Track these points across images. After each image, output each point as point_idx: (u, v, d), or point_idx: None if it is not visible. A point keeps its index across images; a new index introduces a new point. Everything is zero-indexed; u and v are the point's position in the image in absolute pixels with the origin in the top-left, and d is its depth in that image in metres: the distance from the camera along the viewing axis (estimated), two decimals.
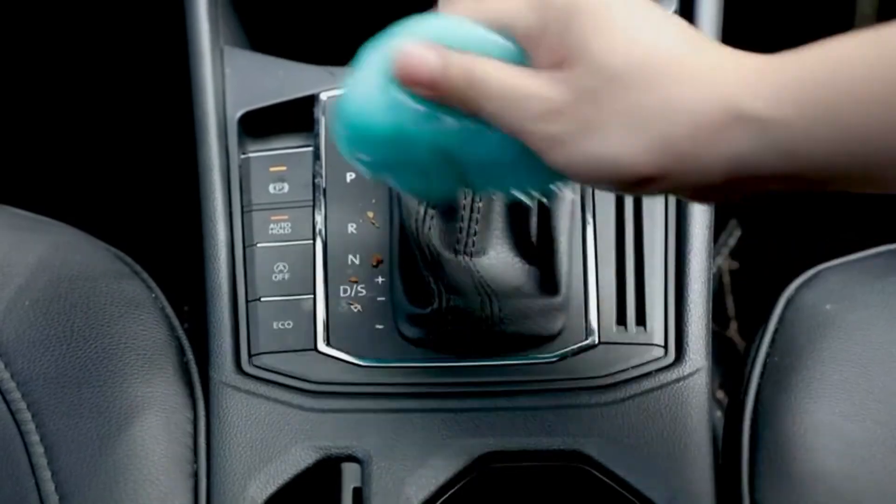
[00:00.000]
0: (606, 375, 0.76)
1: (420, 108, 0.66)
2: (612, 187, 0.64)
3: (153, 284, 0.82)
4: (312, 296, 0.79)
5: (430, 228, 0.78)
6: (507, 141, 0.65)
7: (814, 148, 0.58)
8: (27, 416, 0.75)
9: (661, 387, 0.76)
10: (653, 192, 0.63)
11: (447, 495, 0.72)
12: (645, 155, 0.61)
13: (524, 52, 0.65)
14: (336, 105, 0.69)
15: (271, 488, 0.72)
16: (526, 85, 0.63)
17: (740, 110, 0.59)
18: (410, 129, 0.66)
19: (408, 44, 0.65)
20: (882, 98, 0.57)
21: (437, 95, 0.65)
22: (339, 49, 1.00)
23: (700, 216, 0.81)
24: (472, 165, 0.67)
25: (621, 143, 0.61)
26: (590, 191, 0.81)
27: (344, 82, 0.68)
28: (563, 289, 0.77)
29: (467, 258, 0.78)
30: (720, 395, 1.19)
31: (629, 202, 0.81)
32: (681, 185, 0.61)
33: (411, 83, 0.65)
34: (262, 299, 0.79)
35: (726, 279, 1.31)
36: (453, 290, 0.77)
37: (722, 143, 0.59)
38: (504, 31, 0.65)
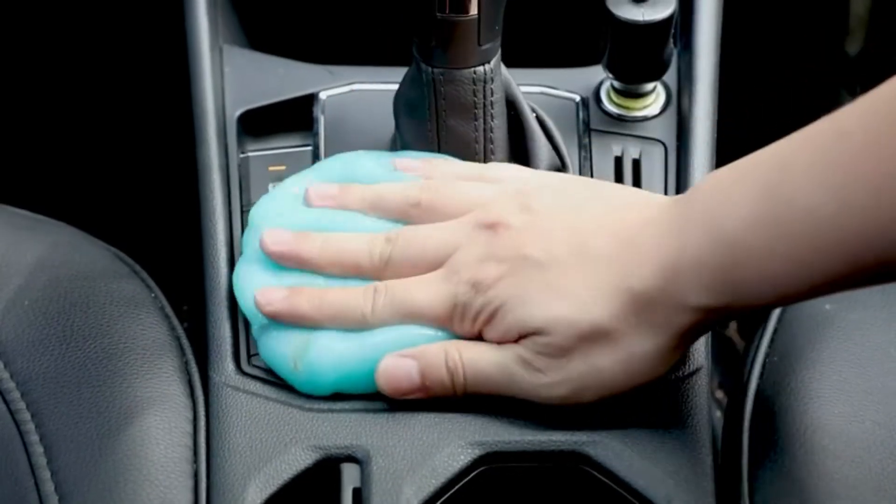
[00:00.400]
0: None
1: None
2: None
3: (152, 284, 0.82)
4: None
5: None
6: None
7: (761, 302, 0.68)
8: (26, 415, 0.75)
9: (660, 387, 0.76)
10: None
11: (447, 496, 0.72)
12: (655, 372, 0.71)
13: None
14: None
15: (271, 489, 0.72)
16: (506, 360, 0.71)
17: (694, 307, 0.68)
18: None
19: (385, 361, 0.73)
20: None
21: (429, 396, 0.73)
22: (338, 48, 1.00)
23: None
24: None
25: (626, 378, 0.70)
26: None
27: None
28: None
29: None
30: (720, 394, 1.19)
31: None
32: None
33: (401, 395, 0.73)
34: None
35: None
36: None
37: (701, 329, 0.70)
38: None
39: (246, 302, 0.76)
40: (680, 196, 0.71)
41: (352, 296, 0.74)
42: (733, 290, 0.67)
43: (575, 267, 0.70)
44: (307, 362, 0.74)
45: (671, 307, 0.68)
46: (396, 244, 0.75)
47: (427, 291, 0.73)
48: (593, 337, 0.69)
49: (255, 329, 0.76)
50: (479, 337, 0.73)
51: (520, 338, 0.71)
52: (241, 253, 0.79)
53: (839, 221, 0.62)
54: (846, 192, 0.62)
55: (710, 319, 0.69)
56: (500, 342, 0.72)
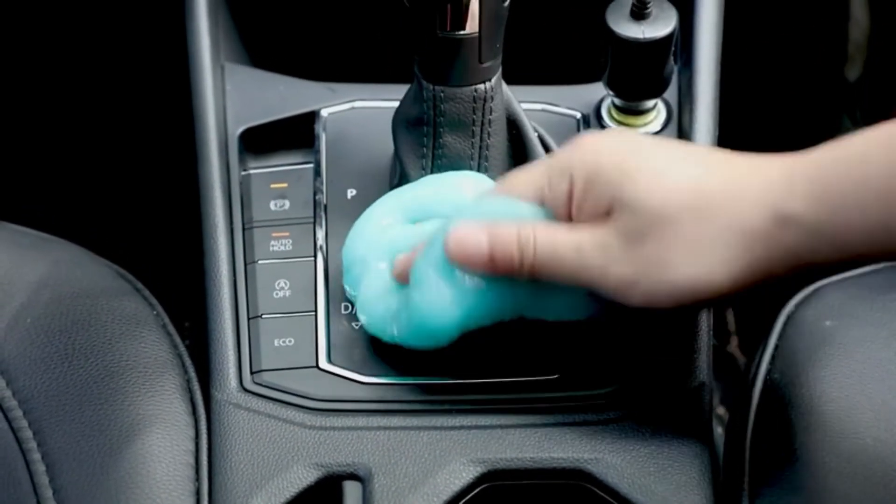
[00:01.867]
0: (607, 392, 0.76)
1: (481, 285, 0.72)
2: (698, 306, 0.71)
3: (154, 301, 0.82)
4: (314, 313, 0.79)
5: None
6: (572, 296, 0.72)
7: (848, 238, 0.65)
8: (28, 433, 0.75)
9: (661, 403, 0.76)
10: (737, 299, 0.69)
11: None
12: (713, 275, 0.67)
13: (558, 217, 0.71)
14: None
15: None
16: (581, 239, 0.69)
17: (784, 215, 0.66)
18: (480, 311, 0.73)
19: (457, 227, 0.71)
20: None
21: (495, 271, 0.70)
22: (339, 65, 1.00)
23: None
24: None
25: (689, 271, 0.67)
26: None
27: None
28: None
29: None
30: (721, 410, 1.19)
31: None
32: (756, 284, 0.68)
33: (469, 264, 0.71)
34: (264, 316, 0.79)
35: None
36: None
37: (778, 247, 0.66)
38: (540, 202, 0.71)
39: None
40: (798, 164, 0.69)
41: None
42: (836, 205, 0.65)
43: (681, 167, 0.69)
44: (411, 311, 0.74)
45: (758, 205, 0.67)
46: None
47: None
48: (673, 222, 0.67)
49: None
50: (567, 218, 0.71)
51: (605, 214, 0.69)
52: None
53: None
54: None
55: (789, 249, 0.67)
56: (585, 220, 0.70)
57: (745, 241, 0.67)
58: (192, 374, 0.78)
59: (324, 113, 0.87)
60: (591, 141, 0.71)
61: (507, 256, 0.70)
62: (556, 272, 0.70)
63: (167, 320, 0.81)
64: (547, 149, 0.83)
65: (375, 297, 0.76)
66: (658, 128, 0.87)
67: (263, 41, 0.99)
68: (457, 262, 0.71)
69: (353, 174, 0.85)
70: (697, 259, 0.67)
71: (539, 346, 0.77)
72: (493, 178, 0.80)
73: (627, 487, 0.73)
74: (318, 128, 0.87)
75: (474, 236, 0.71)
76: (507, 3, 0.76)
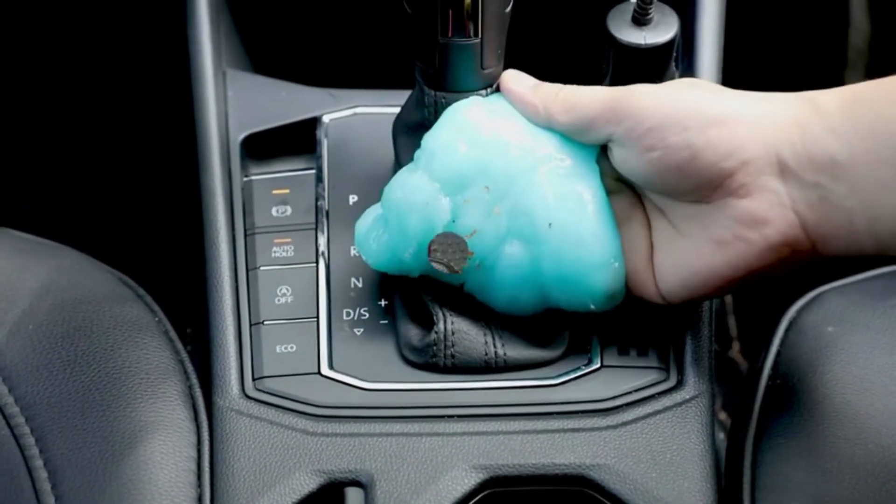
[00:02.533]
0: (609, 399, 0.76)
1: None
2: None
3: (156, 308, 0.82)
4: (315, 319, 0.79)
5: None
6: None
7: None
8: (31, 440, 0.75)
9: (663, 410, 0.76)
10: None
11: None
12: (737, 105, 0.72)
13: None
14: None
15: None
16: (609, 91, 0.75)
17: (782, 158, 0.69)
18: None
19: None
20: None
21: (535, 99, 0.76)
22: (341, 71, 1.01)
23: None
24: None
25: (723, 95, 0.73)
26: None
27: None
28: (566, 310, 0.78)
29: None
30: (723, 416, 1.19)
31: None
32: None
33: (517, 88, 0.77)
34: (266, 323, 0.79)
35: (728, 299, 1.31)
36: (455, 313, 0.77)
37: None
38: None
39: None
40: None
41: None
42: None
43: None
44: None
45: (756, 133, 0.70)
46: None
47: None
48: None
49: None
50: None
51: None
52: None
53: None
54: None
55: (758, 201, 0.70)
56: None
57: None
58: (194, 380, 0.79)
59: (325, 119, 0.87)
60: None
61: (548, 89, 0.76)
62: (585, 111, 0.74)
63: (169, 326, 0.81)
64: None
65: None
66: None
67: (265, 47, 0.99)
68: (508, 87, 0.77)
69: (355, 180, 0.85)
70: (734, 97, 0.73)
71: (541, 350, 0.77)
72: None
73: (629, 493, 0.73)
74: (320, 134, 0.87)
75: (526, 75, 0.78)
76: (508, 9, 0.76)
